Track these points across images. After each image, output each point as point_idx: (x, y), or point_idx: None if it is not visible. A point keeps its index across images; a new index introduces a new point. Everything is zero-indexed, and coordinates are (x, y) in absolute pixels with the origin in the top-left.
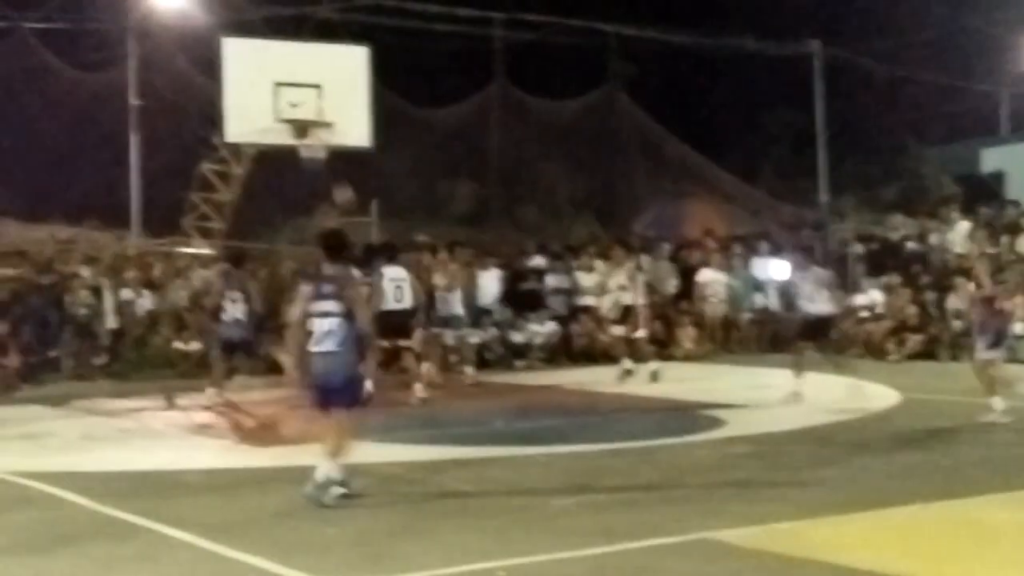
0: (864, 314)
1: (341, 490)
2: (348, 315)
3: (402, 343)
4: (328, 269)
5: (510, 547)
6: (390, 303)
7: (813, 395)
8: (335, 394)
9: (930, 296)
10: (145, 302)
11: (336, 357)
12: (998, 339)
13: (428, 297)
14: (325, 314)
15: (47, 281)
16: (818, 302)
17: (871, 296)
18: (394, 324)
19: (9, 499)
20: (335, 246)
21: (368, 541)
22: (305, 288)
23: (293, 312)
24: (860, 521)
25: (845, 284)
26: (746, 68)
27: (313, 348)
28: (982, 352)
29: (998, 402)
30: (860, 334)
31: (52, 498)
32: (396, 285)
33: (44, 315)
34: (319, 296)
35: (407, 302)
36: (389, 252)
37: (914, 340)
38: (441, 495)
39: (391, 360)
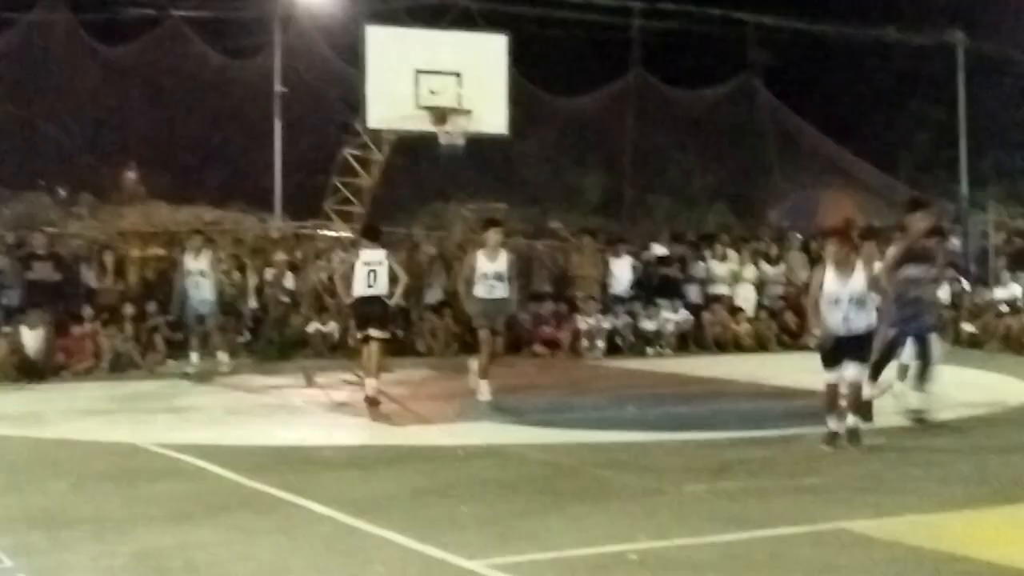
0: (1003, 308)
1: None
2: None
3: (372, 333)
4: None
5: (641, 531)
6: (362, 288)
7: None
8: None
9: None
10: (286, 283)
11: None
12: None
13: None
14: None
15: None
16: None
17: (1011, 290)
18: (365, 312)
19: (157, 470)
20: None
21: (501, 521)
22: None
23: None
24: (996, 516)
25: (985, 277)
26: (886, 57)
27: None
28: None
29: None
30: (999, 328)
31: (198, 470)
32: (370, 269)
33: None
34: None
35: (380, 288)
36: (370, 234)
37: None
38: (573, 478)
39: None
